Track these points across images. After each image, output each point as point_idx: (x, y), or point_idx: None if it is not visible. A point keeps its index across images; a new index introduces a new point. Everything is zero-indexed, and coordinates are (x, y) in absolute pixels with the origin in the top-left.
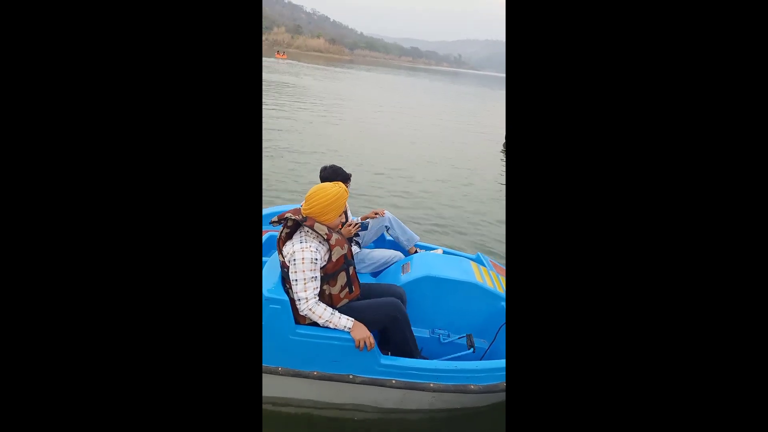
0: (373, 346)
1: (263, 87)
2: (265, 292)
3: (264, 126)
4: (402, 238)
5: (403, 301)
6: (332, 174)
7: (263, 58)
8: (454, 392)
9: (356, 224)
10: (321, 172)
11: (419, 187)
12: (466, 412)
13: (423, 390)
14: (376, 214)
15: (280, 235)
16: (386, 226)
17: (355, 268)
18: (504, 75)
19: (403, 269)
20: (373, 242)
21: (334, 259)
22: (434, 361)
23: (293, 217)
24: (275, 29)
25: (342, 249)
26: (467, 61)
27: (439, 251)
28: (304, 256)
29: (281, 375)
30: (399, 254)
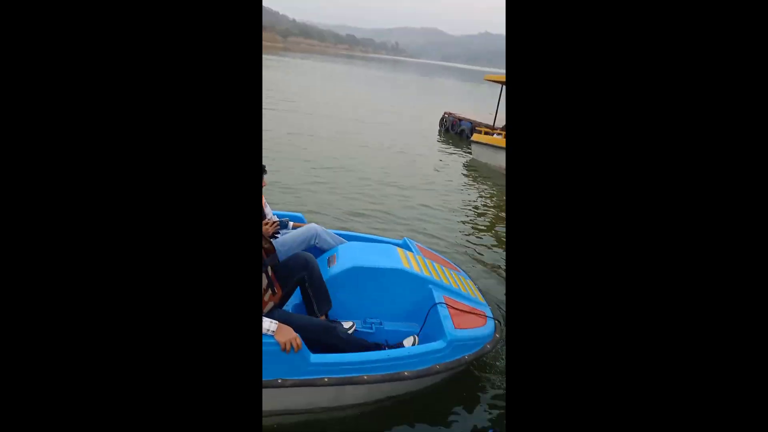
0: (300, 347)
1: None
2: None
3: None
4: (332, 243)
5: (313, 265)
6: None
7: None
8: (389, 381)
9: (274, 222)
10: None
11: (354, 175)
12: (401, 399)
13: (357, 383)
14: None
15: None
16: (313, 236)
17: (275, 267)
18: (442, 63)
19: (329, 262)
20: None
21: None
22: (365, 353)
23: None
24: None
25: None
26: (405, 49)
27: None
28: None
29: None
30: (312, 226)
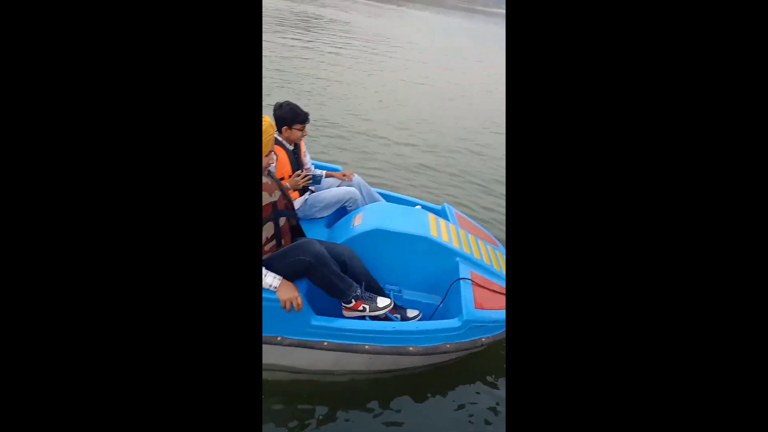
0: (300, 306)
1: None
2: None
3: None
4: (366, 204)
5: (354, 261)
6: (288, 113)
7: None
8: (392, 354)
9: (305, 176)
10: (275, 110)
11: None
12: (404, 373)
13: (357, 352)
14: (344, 176)
15: None
16: (350, 200)
17: (291, 219)
18: None
19: (354, 220)
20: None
21: None
22: (369, 321)
23: None
24: None
25: (270, 195)
26: None
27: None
28: None
29: None
30: (352, 190)
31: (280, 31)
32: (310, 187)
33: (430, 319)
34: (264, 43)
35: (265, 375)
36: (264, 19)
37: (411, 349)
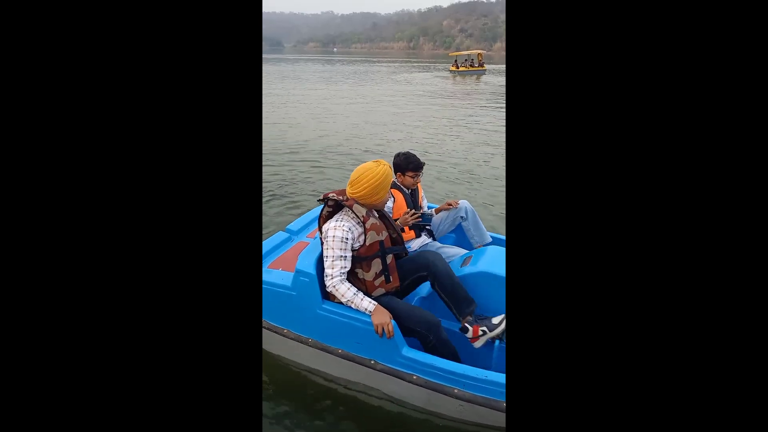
0: (391, 334)
1: None
2: (298, 265)
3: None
4: (473, 233)
5: (437, 268)
6: (403, 161)
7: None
8: (483, 405)
9: (413, 213)
10: (394, 158)
11: None
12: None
13: (446, 394)
14: (449, 205)
15: (321, 213)
16: (462, 216)
17: (398, 257)
18: None
19: (464, 262)
20: (453, 232)
21: (367, 243)
22: (460, 364)
23: (335, 198)
24: None
25: (378, 234)
26: None
27: None
28: (335, 234)
29: (311, 346)
30: (464, 203)
31: None
32: (426, 226)
33: None
34: None
35: (362, 396)
36: None
37: (504, 404)
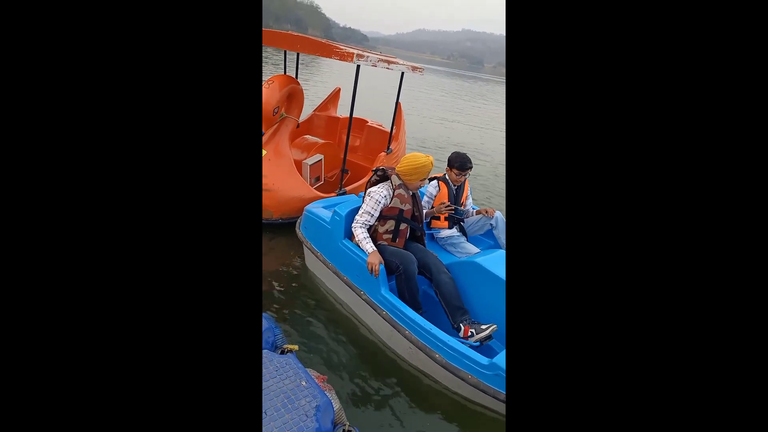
0: (377, 273)
1: None
2: (337, 208)
3: None
4: (502, 241)
5: (431, 265)
6: (452, 158)
7: None
8: (423, 352)
9: (448, 206)
10: (450, 154)
11: None
12: (430, 380)
13: (401, 334)
14: (486, 212)
15: (370, 179)
16: (491, 224)
17: (417, 231)
18: None
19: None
20: (481, 235)
21: (390, 204)
22: (419, 315)
23: (385, 168)
24: None
25: (401, 204)
26: None
27: None
28: (372, 196)
29: (330, 270)
30: (497, 215)
31: None
32: (460, 221)
33: None
34: None
35: (351, 319)
36: None
37: (437, 356)
